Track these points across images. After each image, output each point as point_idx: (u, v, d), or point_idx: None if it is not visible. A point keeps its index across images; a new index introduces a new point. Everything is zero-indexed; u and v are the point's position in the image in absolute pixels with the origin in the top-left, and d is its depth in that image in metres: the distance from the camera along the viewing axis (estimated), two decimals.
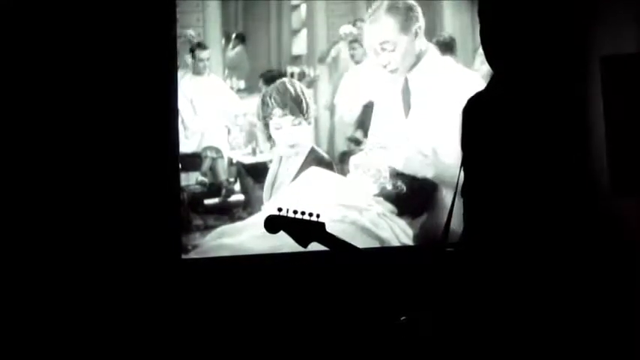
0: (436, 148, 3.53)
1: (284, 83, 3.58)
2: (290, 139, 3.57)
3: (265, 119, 3.56)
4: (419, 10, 3.58)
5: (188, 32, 3.56)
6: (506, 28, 1.94)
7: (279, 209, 2.27)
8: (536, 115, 1.92)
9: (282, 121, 3.55)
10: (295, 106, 3.55)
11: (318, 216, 2.27)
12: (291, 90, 3.56)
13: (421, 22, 3.57)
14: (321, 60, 3.64)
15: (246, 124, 3.61)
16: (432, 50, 3.60)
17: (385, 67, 3.57)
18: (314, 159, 3.57)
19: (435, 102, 3.51)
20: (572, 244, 1.89)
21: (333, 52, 3.65)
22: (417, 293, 2.05)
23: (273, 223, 2.28)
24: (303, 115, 3.55)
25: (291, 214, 2.26)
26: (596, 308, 1.96)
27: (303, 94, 3.56)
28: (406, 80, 3.58)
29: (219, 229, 3.50)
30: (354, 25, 3.67)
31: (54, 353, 3.20)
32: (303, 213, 2.26)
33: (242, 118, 3.61)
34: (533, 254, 1.87)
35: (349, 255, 2.29)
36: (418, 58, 3.57)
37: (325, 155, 3.59)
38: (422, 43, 3.58)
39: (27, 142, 3.29)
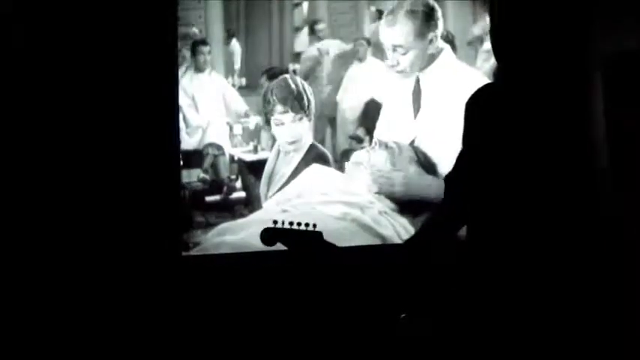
0: (440, 160, 3.51)
1: (285, 79, 3.57)
2: (291, 136, 3.56)
3: (267, 115, 3.56)
4: (439, 15, 3.53)
5: (189, 30, 3.56)
6: (517, 26, 1.95)
7: (275, 222, 2.24)
8: (537, 112, 1.93)
9: (283, 118, 3.55)
10: (297, 102, 3.54)
11: (314, 226, 2.25)
12: (293, 86, 3.56)
13: (439, 30, 3.53)
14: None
15: (247, 122, 3.61)
16: (447, 51, 3.57)
17: (393, 67, 3.56)
18: (314, 155, 3.57)
19: (445, 103, 3.49)
20: (571, 242, 1.90)
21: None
22: (417, 292, 2.05)
23: (269, 236, 2.25)
24: (304, 112, 3.54)
25: (287, 226, 2.24)
26: (594, 307, 1.97)
27: (305, 90, 3.56)
28: (417, 80, 3.56)
29: (220, 227, 3.50)
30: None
31: (54, 351, 3.20)
32: (299, 224, 2.24)
33: (244, 116, 3.61)
34: (532, 252, 1.87)
35: (346, 264, 2.28)
36: (431, 59, 3.54)
37: (325, 151, 3.59)
38: (437, 44, 3.54)
39: (27, 138, 3.28)
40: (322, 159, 3.58)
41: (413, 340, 2.04)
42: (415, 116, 3.54)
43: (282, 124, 3.55)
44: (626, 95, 3.43)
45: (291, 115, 3.54)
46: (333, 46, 3.68)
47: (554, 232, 1.88)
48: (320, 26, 3.68)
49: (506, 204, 1.90)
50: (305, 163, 3.57)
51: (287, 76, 3.59)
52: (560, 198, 1.89)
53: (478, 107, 1.99)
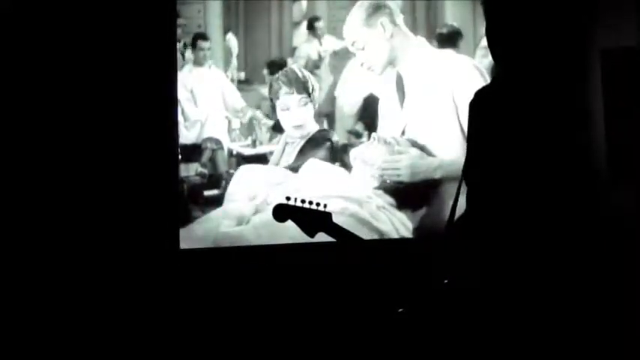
0: (436, 144, 3.52)
1: (291, 67, 3.60)
2: (296, 120, 3.57)
3: (272, 101, 3.57)
4: (389, 5, 3.55)
5: (189, 24, 3.58)
6: (512, 25, 1.95)
7: (288, 198, 2.28)
8: (537, 109, 1.93)
9: (288, 101, 3.55)
10: (302, 85, 3.55)
11: (325, 206, 2.28)
12: (297, 71, 3.58)
13: (391, 17, 3.53)
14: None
15: (246, 116, 3.62)
16: (421, 40, 3.59)
17: (362, 65, 3.57)
18: (319, 140, 3.58)
19: (427, 88, 3.50)
20: (571, 238, 1.89)
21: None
22: (415, 286, 2.05)
23: (282, 212, 2.30)
24: (308, 95, 3.55)
25: (299, 204, 2.28)
26: (594, 306, 1.96)
27: (309, 77, 3.58)
28: (398, 73, 3.56)
29: (218, 221, 3.47)
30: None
31: (53, 343, 3.20)
32: (310, 202, 2.28)
33: (242, 110, 3.62)
34: (532, 250, 1.87)
35: (353, 246, 2.30)
36: (401, 51, 3.54)
37: (330, 135, 3.60)
38: (403, 37, 3.55)
39: (26, 132, 3.29)
40: (325, 143, 3.58)
41: (411, 333, 2.04)
42: (402, 106, 3.55)
43: (288, 108, 3.55)
44: (626, 92, 3.43)
45: (297, 97, 3.54)
46: (331, 43, 3.69)
47: (554, 231, 1.88)
48: (319, 24, 3.69)
49: (506, 202, 1.89)
50: (310, 147, 3.58)
51: (293, 65, 3.61)
52: (559, 196, 1.89)
53: (480, 107, 1.99)
